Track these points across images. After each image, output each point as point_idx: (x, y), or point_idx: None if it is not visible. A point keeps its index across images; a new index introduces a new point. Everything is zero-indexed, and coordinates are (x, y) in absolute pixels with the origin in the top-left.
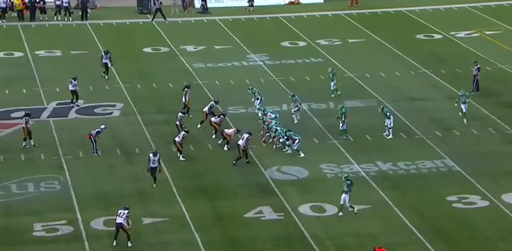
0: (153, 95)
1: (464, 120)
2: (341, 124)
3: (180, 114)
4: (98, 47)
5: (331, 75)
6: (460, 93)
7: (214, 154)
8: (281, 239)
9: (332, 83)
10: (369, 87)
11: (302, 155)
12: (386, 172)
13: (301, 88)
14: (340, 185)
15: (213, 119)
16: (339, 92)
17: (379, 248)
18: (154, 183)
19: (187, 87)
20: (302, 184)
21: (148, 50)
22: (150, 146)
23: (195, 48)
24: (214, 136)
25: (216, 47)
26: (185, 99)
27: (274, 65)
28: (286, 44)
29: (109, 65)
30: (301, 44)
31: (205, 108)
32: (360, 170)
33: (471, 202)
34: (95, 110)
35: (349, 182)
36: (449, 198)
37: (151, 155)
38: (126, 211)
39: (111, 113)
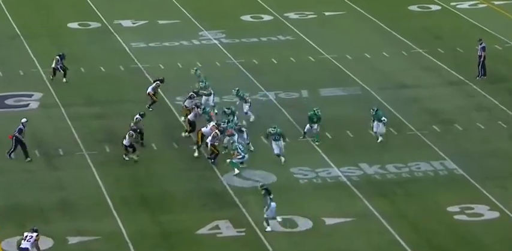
0: (80, 82)
1: (380, 138)
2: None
3: (137, 116)
4: (9, 22)
5: (197, 77)
6: (372, 112)
7: (158, 155)
8: None
9: (209, 98)
10: (351, 72)
11: (236, 171)
12: (372, 177)
13: (266, 73)
14: (316, 193)
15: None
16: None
17: None
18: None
19: (161, 81)
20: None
21: (74, 25)
22: (77, 146)
23: (133, 23)
24: (185, 134)
25: (160, 22)
26: (152, 91)
27: (232, 44)
28: (247, 18)
29: (60, 71)
30: (266, 18)
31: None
32: (340, 174)
33: (477, 213)
34: (5, 102)
35: (263, 191)
36: (450, 209)
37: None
38: (35, 234)
39: (27, 105)
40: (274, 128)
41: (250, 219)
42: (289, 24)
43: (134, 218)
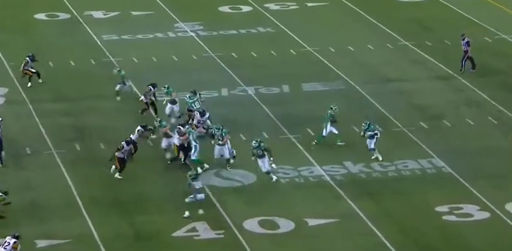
0: (49, 77)
1: (379, 156)
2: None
3: (139, 128)
4: None
5: (121, 78)
6: (363, 126)
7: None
8: None
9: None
10: (334, 66)
11: (200, 170)
12: (357, 176)
13: (245, 67)
14: (298, 192)
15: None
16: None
17: None
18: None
19: (153, 86)
20: (248, 192)
21: (41, 16)
22: (46, 145)
23: (105, 15)
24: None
25: (134, 13)
26: (146, 99)
27: (210, 36)
28: (225, 9)
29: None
30: (246, 9)
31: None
32: (323, 173)
33: (467, 213)
34: None
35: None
36: (438, 209)
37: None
38: (13, 241)
39: None
40: (256, 141)
41: (229, 220)
42: (269, 16)
43: (106, 220)
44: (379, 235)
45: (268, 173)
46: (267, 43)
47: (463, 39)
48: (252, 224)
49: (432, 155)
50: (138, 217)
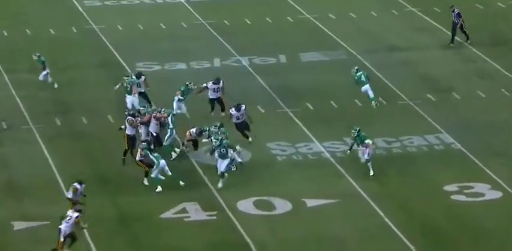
0: (26, 45)
1: (371, 171)
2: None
3: (129, 118)
4: None
5: (40, 64)
6: (353, 133)
7: (116, 129)
8: (213, 249)
9: None
10: (334, 34)
11: (158, 189)
12: (359, 153)
13: (239, 35)
14: (296, 171)
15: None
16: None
17: None
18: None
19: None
20: (242, 170)
21: None
22: (23, 119)
23: None
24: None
25: None
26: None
27: (201, 2)
28: None
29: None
30: None
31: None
32: (323, 150)
33: (477, 192)
34: None
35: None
36: (446, 188)
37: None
38: (75, 215)
39: None
40: (217, 140)
41: (221, 201)
42: None
43: (89, 201)
44: (383, 216)
45: (222, 175)
46: (262, 10)
47: (453, 11)
48: (246, 205)
49: (440, 130)
50: (123, 198)
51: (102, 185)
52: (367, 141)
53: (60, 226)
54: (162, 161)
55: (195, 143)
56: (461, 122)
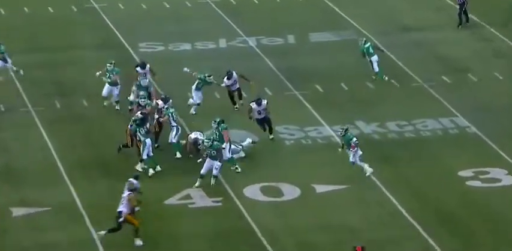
0: (24, 24)
1: (367, 170)
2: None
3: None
4: None
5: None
6: (340, 133)
7: (117, 114)
8: (218, 236)
9: None
10: (345, 13)
11: (152, 172)
12: (370, 137)
13: (245, 14)
14: (305, 155)
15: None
16: None
17: (362, 248)
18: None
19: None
20: (249, 155)
21: None
22: (22, 100)
23: None
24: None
25: None
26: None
27: None
28: None
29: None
30: None
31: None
32: (333, 134)
33: (493, 178)
34: None
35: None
36: (461, 173)
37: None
38: (127, 193)
39: None
40: (209, 140)
41: (227, 187)
42: None
43: (90, 186)
44: (395, 202)
45: (202, 177)
46: None
47: None
48: (253, 191)
49: (455, 114)
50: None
51: (105, 170)
52: (352, 141)
53: (118, 210)
54: (148, 140)
55: (196, 147)
56: (478, 105)
